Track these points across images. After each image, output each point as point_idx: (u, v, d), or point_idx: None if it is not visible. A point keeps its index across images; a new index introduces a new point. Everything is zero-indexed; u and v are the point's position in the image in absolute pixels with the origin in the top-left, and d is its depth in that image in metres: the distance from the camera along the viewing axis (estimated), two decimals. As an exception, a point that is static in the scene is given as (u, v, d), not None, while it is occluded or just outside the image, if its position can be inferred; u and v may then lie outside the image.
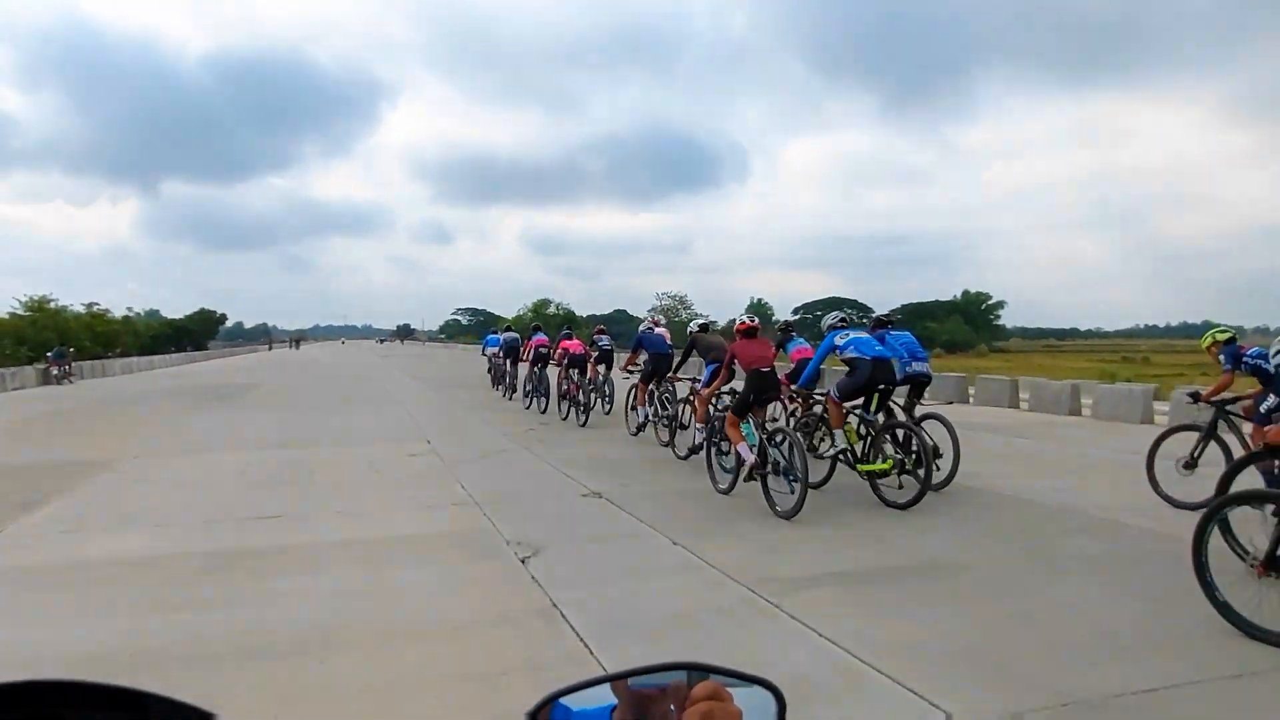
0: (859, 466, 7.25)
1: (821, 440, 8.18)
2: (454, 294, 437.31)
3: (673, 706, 0.76)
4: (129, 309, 60.70)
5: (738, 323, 7.74)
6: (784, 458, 6.74)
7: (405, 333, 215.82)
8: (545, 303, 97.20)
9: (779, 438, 6.87)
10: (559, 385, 14.46)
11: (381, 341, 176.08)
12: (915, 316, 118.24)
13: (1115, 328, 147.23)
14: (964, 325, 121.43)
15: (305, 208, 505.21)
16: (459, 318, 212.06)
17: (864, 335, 7.68)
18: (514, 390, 18.36)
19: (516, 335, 19.73)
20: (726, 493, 7.46)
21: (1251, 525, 4.14)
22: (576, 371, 13.88)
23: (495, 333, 23.39)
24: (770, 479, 6.85)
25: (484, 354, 23.29)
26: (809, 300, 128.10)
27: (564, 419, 13.89)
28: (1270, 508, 3.95)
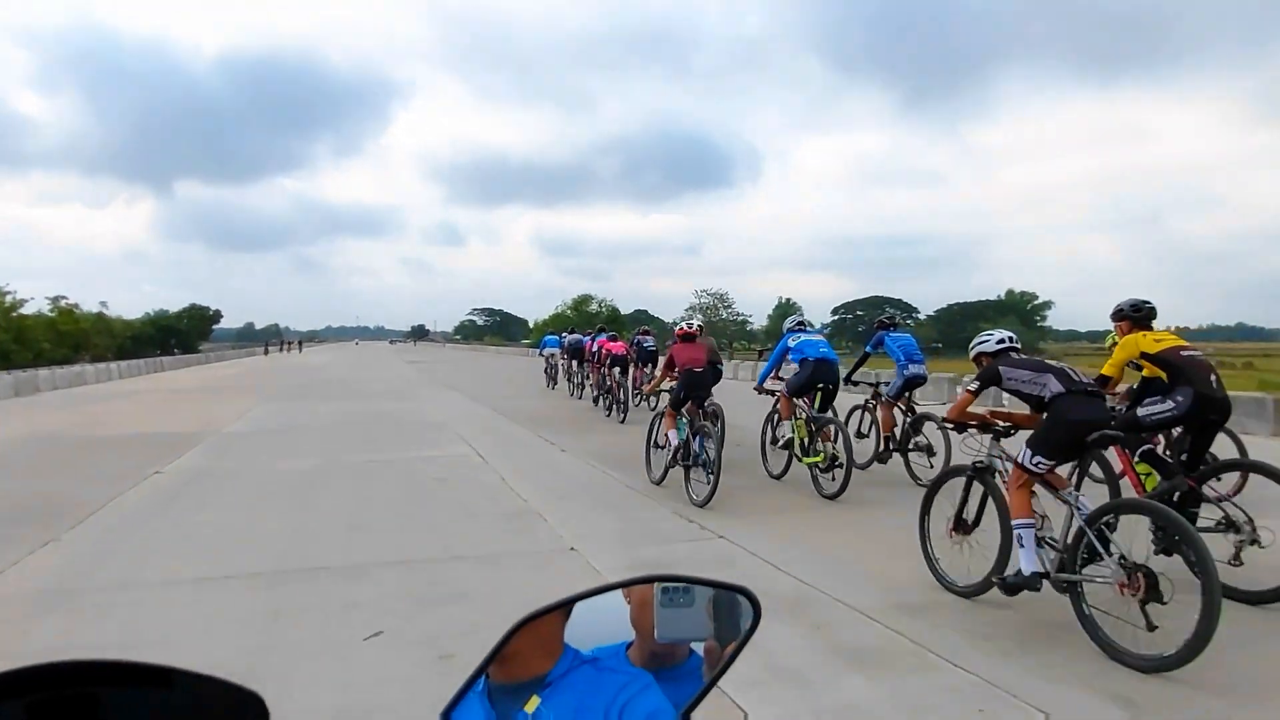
0: (803, 459, 8.08)
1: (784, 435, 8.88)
2: (465, 295, 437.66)
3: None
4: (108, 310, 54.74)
5: (678, 328, 8.92)
6: (702, 451, 7.50)
7: (420, 334, 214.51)
8: (587, 299, 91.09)
9: (706, 431, 7.62)
10: (599, 381, 16.13)
11: (392, 342, 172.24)
12: (964, 317, 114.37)
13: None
14: (1020, 326, 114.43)
15: (317, 209, 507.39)
16: (474, 318, 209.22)
17: (815, 338, 8.56)
18: (582, 389, 19.25)
19: (579, 336, 20.52)
20: (658, 483, 8.24)
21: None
22: (618, 370, 15.17)
23: (555, 334, 24.34)
24: (691, 470, 7.62)
25: (541, 354, 24.61)
26: (846, 300, 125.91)
27: (608, 415, 15.27)
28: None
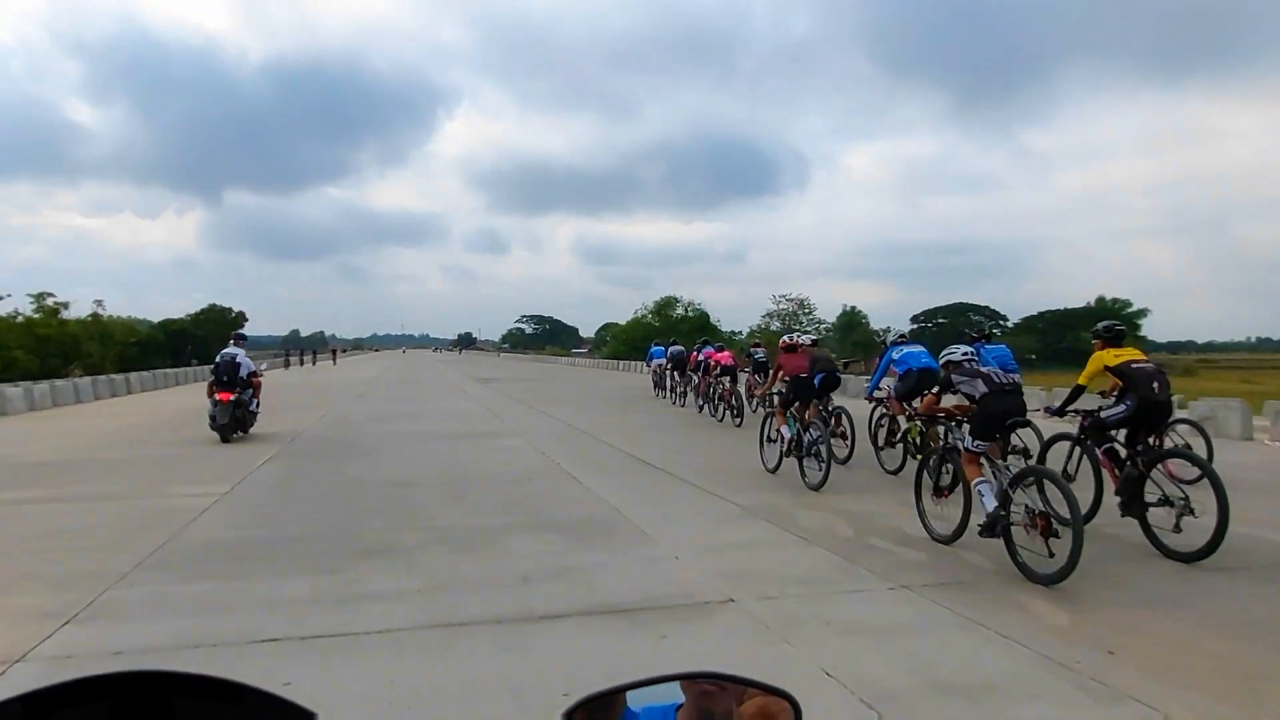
0: (916, 456, 9.25)
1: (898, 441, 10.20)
2: (509, 303, 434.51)
3: (735, 704, 0.92)
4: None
5: (781, 340, 10.67)
6: (814, 444, 8.79)
7: (467, 342, 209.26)
8: (671, 302, 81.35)
9: (814, 431, 8.93)
10: (708, 390, 17.60)
11: (436, 350, 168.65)
12: (1059, 326, 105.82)
13: (1203, 340, 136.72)
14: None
15: (362, 217, 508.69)
16: (523, 326, 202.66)
17: (916, 349, 9.88)
18: (685, 397, 20.30)
19: (683, 348, 21.34)
20: (773, 471, 9.61)
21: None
22: (729, 379, 16.31)
23: (660, 345, 24.91)
24: (805, 460, 8.91)
25: (649, 365, 25.84)
26: (925, 308, 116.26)
27: (720, 420, 16.44)
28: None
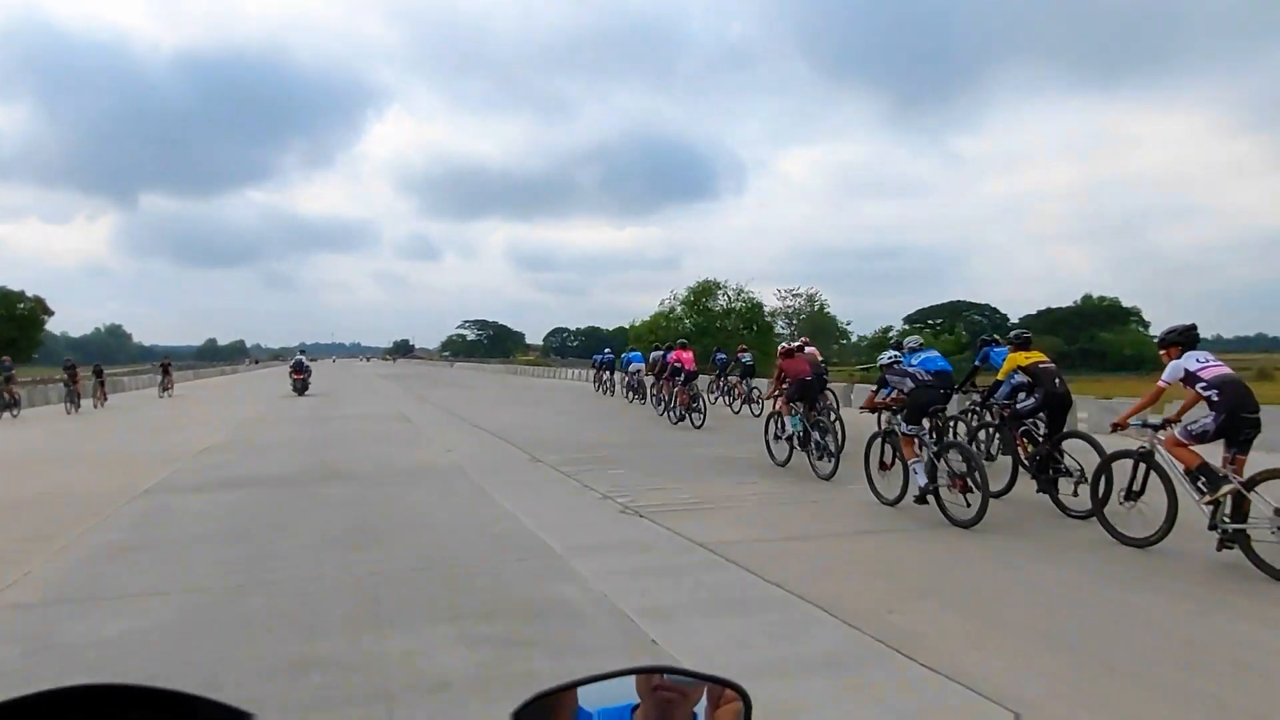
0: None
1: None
2: (443, 310, 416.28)
3: (696, 711, 0.90)
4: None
5: (781, 345, 12.21)
6: (823, 440, 9.85)
7: (404, 350, 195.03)
8: (709, 289, 60.09)
9: (823, 425, 10.01)
10: (664, 393, 17.70)
11: (367, 359, 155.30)
12: (1077, 327, 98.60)
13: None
14: (1143, 334, 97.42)
15: (287, 222, 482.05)
16: (465, 332, 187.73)
17: (933, 354, 9.96)
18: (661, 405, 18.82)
19: (662, 353, 20.05)
20: (783, 464, 10.53)
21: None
22: (691, 382, 16.51)
23: (637, 350, 26.41)
24: (812, 455, 9.87)
25: (625, 371, 24.75)
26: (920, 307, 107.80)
27: (675, 423, 16.45)
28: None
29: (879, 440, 8.48)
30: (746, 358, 19.41)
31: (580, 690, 0.90)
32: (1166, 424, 6.41)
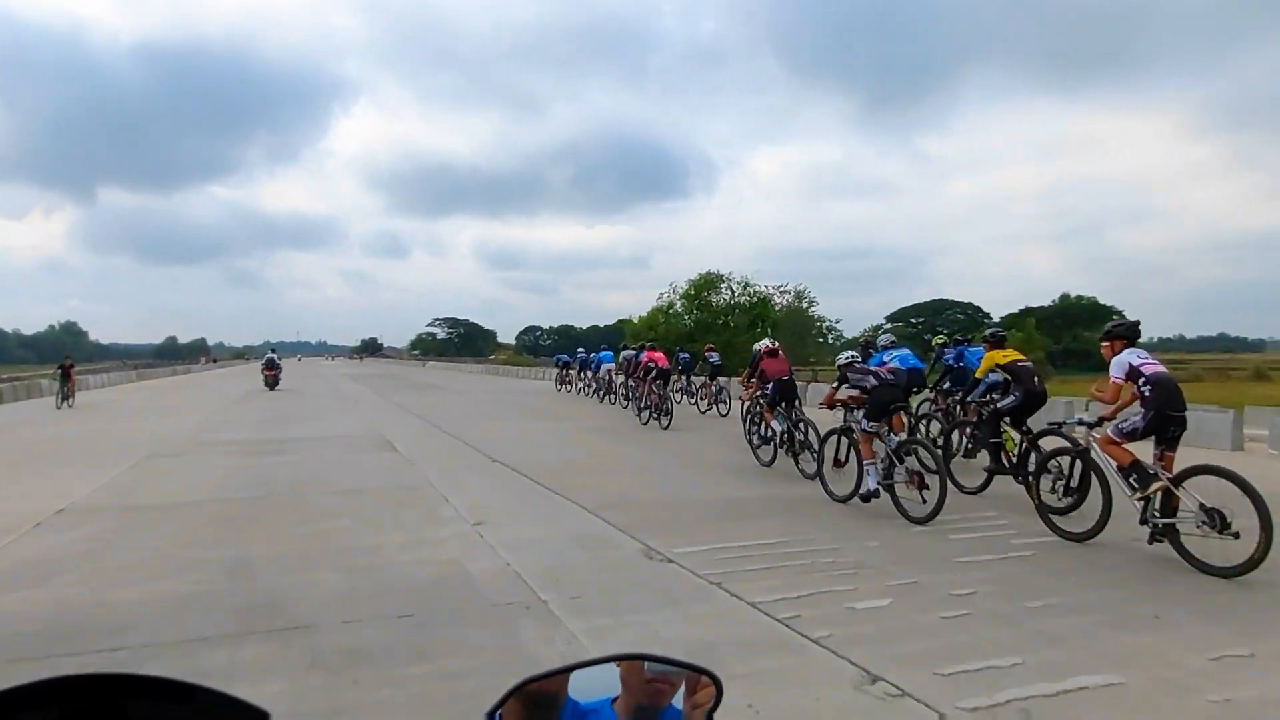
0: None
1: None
2: (412, 309, 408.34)
3: (675, 701, 0.95)
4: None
5: (762, 345, 11.38)
6: (806, 438, 9.70)
7: (372, 349, 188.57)
8: (713, 281, 54.59)
9: (804, 426, 9.81)
10: (643, 392, 16.92)
11: (331, 359, 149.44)
12: (1061, 326, 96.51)
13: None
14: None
15: (251, 218, 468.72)
16: (435, 330, 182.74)
17: (905, 351, 11.33)
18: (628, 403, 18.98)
19: (634, 352, 19.96)
20: (769, 464, 10.34)
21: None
22: (661, 383, 16.15)
23: (607, 349, 25.43)
24: (799, 454, 9.80)
25: (595, 370, 24.50)
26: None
27: (644, 424, 16.10)
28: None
29: (836, 436, 8.60)
30: (714, 357, 19.59)
31: (571, 679, 0.95)
32: (1101, 421, 6.56)
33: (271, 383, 30.84)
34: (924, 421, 10.98)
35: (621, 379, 20.77)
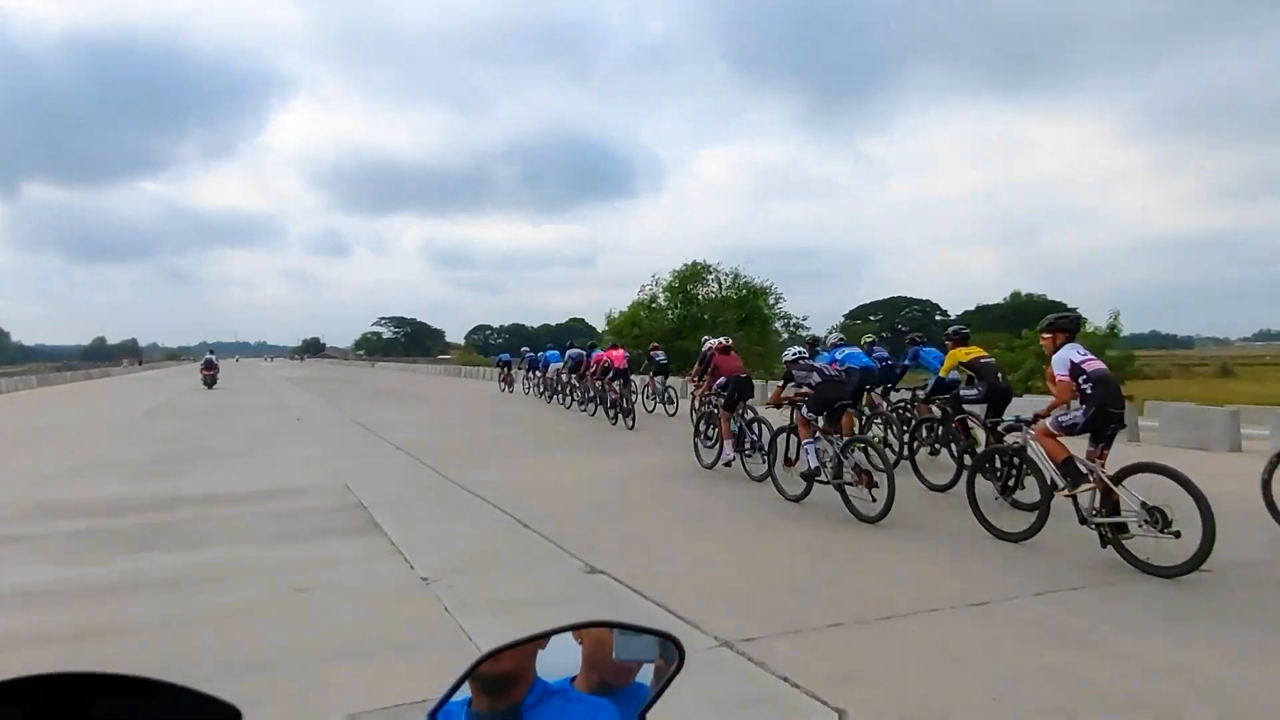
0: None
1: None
2: (355, 308, 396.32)
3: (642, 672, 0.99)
4: None
5: (716, 343, 11.19)
6: (758, 438, 9.47)
7: (315, 349, 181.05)
8: (699, 273, 48.55)
9: (757, 427, 9.55)
10: (600, 391, 16.85)
11: (270, 359, 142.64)
12: (1016, 324, 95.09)
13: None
14: (1087, 331, 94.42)
15: (185, 215, 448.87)
16: (381, 330, 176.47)
17: (856, 350, 10.17)
18: (585, 404, 18.49)
19: (582, 351, 20.01)
20: (709, 467, 10.03)
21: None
22: (620, 382, 15.70)
23: (553, 348, 24.18)
24: (747, 455, 9.51)
25: (542, 370, 24.00)
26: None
27: (614, 423, 15.68)
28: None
29: (785, 435, 8.43)
30: (660, 355, 18.94)
31: (538, 658, 0.95)
32: (1037, 418, 6.34)
33: (210, 381, 33.12)
34: (876, 422, 10.69)
35: (568, 378, 20.47)
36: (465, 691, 0.91)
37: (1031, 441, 6.31)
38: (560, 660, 0.96)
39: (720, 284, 48.30)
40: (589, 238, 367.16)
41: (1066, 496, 5.83)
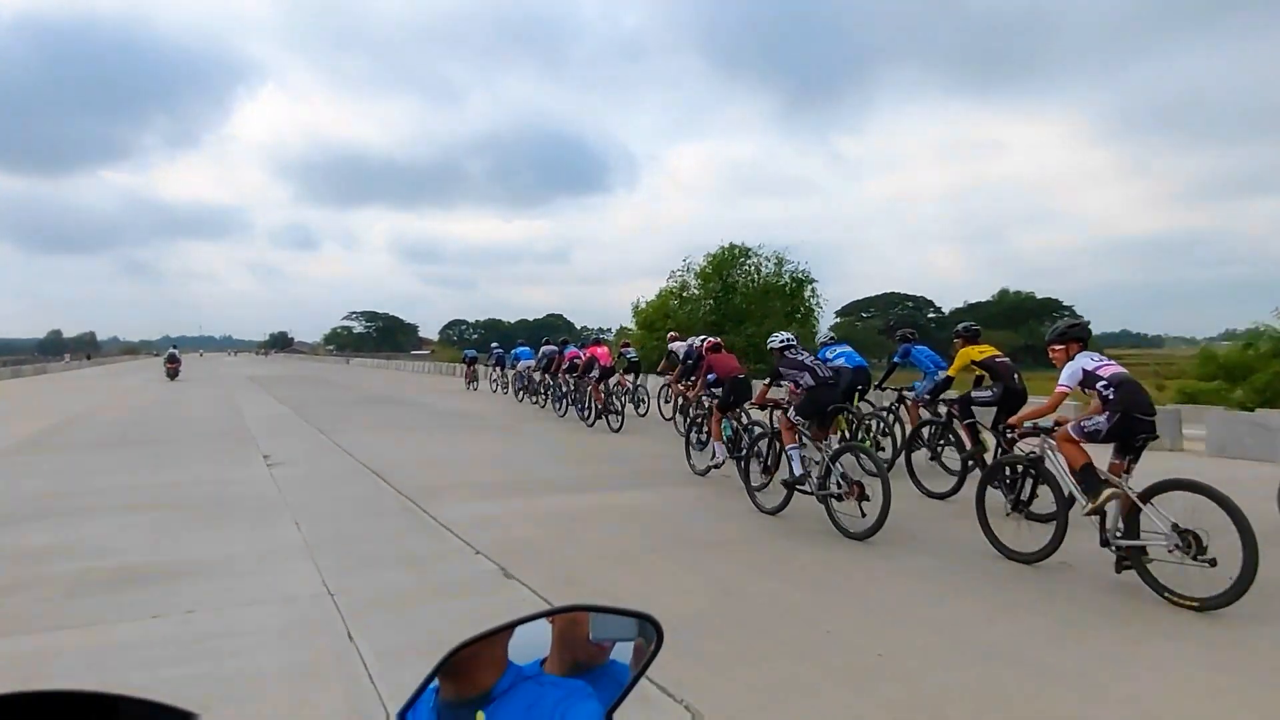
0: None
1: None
2: (324, 303, 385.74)
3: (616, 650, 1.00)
4: None
5: (706, 340, 10.82)
6: (755, 445, 8.23)
7: (282, 343, 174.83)
8: (736, 256, 43.02)
9: (755, 430, 8.65)
10: (572, 390, 16.55)
11: (234, 354, 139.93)
12: (1010, 320, 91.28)
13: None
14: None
15: (147, 206, 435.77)
16: (352, 324, 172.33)
17: (848, 349, 10.41)
18: (558, 404, 17.96)
19: (555, 348, 19.20)
20: (703, 474, 9.41)
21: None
22: (606, 381, 14.98)
23: (525, 345, 23.92)
24: (749, 461, 8.18)
25: (514, 368, 23.42)
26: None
27: (590, 424, 15.06)
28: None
29: (768, 442, 7.95)
30: (631, 353, 18.04)
31: (510, 644, 0.94)
32: (1057, 425, 5.96)
33: (172, 374, 35.96)
34: (869, 424, 10.27)
35: (541, 376, 19.96)
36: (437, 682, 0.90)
37: (1050, 452, 5.85)
38: (530, 643, 0.96)
39: (758, 271, 41.60)
40: (561, 233, 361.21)
41: (1089, 515, 5.36)
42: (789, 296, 40.76)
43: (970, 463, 7.95)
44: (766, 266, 41.81)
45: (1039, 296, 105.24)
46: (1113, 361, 5.64)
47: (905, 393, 10.29)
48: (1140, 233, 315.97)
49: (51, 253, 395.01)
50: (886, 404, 10.84)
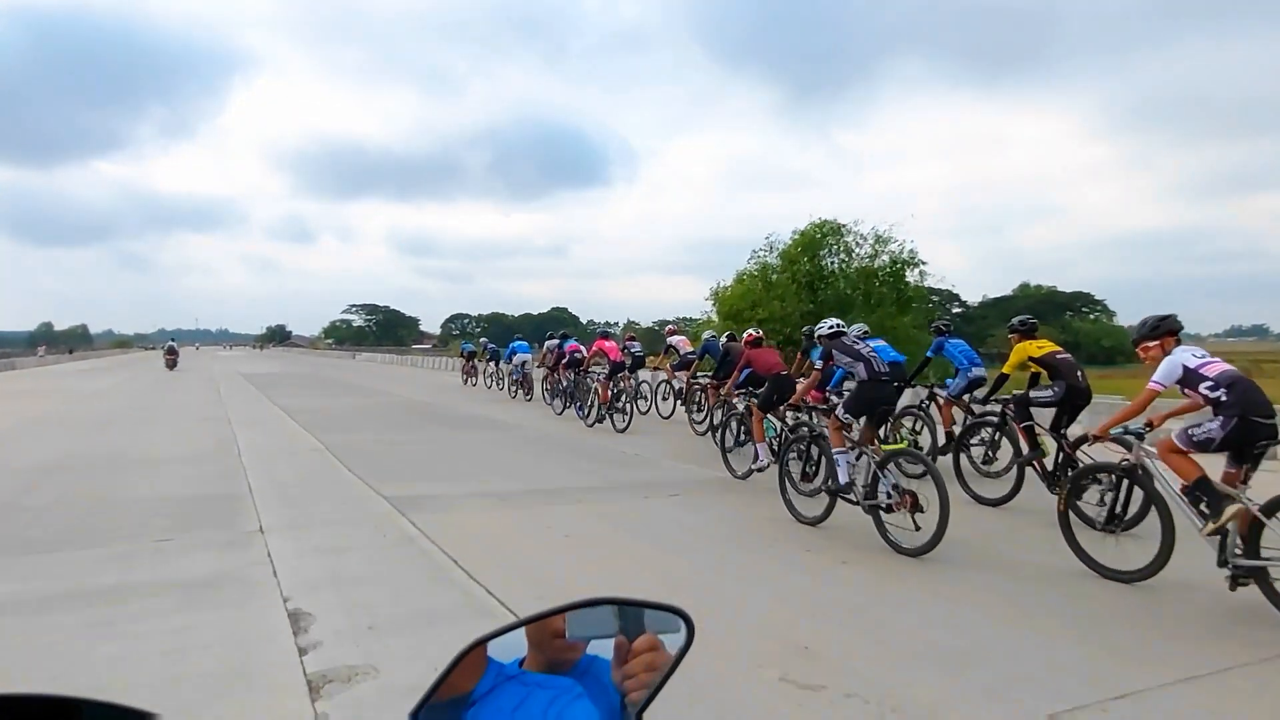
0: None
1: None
2: (322, 296, 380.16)
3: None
4: None
5: (746, 334, 9.98)
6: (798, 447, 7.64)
7: (280, 337, 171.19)
8: (832, 233, 36.25)
9: (801, 431, 7.67)
10: (573, 386, 15.69)
11: (229, 348, 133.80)
12: (1039, 316, 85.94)
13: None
14: (1111, 323, 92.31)
15: (142, 198, 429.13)
16: (351, 317, 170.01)
17: (881, 343, 9.35)
18: (558, 401, 17.07)
19: (556, 342, 18.10)
20: (743, 477, 8.71)
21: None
22: (615, 378, 14.15)
23: (521, 339, 22.62)
24: (793, 464, 7.61)
25: (509, 362, 22.05)
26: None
27: (590, 424, 14.27)
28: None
29: (807, 445, 7.36)
30: (636, 347, 16.10)
31: (490, 644, 0.90)
32: (1149, 427, 5.55)
33: (171, 365, 38.26)
34: (903, 422, 9.82)
35: (544, 372, 18.71)
36: None
37: (1149, 460, 5.21)
38: (509, 642, 0.93)
39: (850, 252, 34.75)
40: (560, 227, 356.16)
41: (1210, 534, 4.74)
42: (897, 280, 34.20)
43: (1026, 469, 7.39)
44: (861, 247, 35.20)
45: (1061, 290, 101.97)
46: (1217, 358, 5.10)
47: (936, 389, 9.95)
48: (1139, 228, 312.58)
49: (44, 245, 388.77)
50: (916, 402, 10.45)
